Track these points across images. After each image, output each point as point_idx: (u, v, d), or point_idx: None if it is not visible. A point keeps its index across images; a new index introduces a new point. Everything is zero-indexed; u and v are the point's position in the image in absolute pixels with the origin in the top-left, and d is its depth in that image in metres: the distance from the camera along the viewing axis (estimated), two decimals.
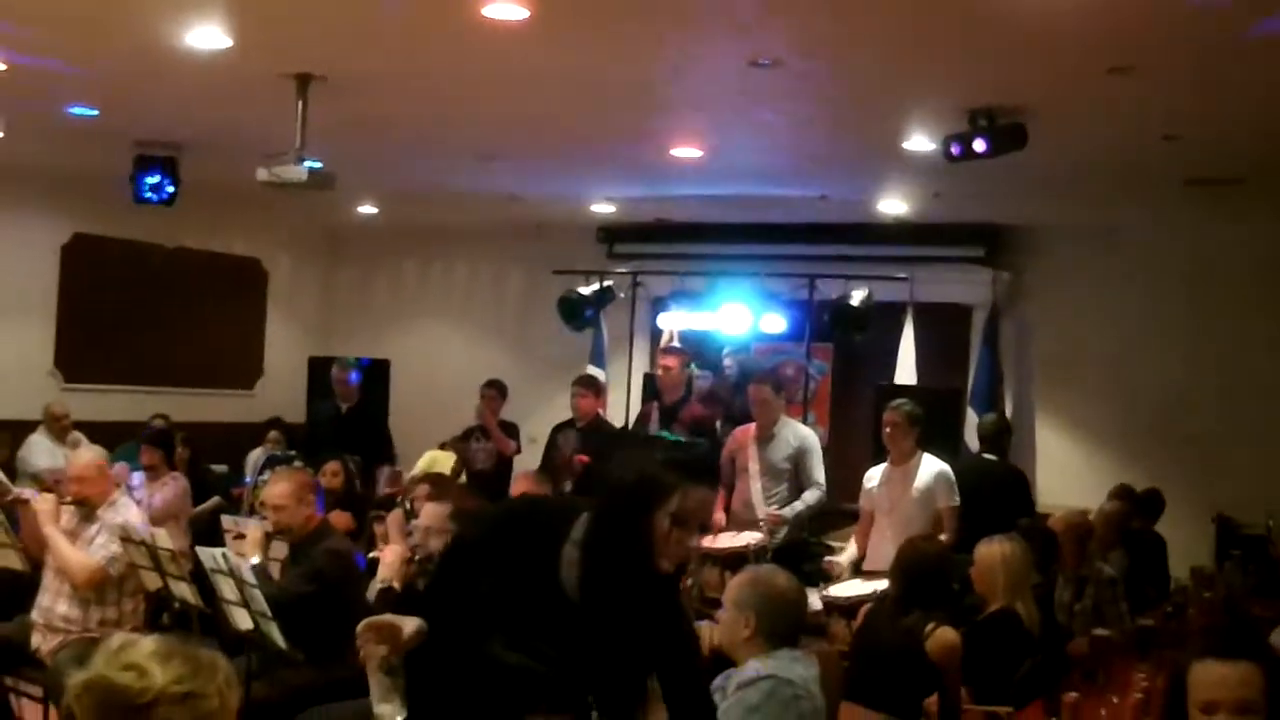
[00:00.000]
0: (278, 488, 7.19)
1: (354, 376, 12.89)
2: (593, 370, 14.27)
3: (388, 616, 3.96)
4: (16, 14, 7.61)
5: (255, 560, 6.97)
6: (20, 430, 12.67)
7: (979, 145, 8.37)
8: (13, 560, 7.42)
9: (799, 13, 6.79)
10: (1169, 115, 8.56)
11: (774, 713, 4.65)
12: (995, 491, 10.03)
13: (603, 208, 14.16)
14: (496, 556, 3.96)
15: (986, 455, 10.72)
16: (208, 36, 7.68)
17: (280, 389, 16.28)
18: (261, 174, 8.89)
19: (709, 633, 5.19)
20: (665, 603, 4.03)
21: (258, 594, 6.22)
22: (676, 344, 13.44)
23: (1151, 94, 7.96)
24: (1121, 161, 10.16)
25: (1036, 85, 7.94)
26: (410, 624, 4.01)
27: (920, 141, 9.47)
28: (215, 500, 11.76)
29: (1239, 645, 3.98)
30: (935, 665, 6.29)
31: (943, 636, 6.30)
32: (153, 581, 7.13)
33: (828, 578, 9.91)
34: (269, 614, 6.20)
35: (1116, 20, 6.57)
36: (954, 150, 8.53)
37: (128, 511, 7.43)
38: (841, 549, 9.84)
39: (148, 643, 2.62)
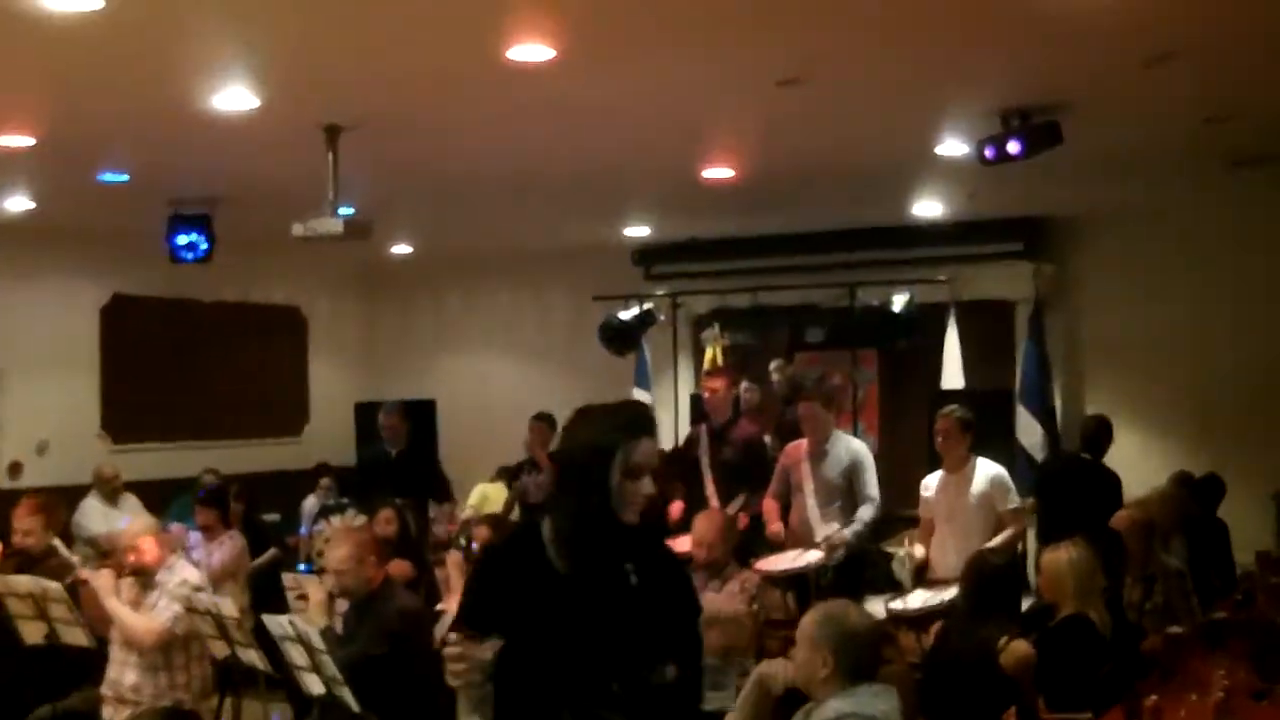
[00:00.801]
0: (338, 553, 7.10)
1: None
2: (638, 393, 14.25)
3: (468, 644, 3.95)
4: (43, 88, 7.63)
5: (323, 623, 6.94)
6: (72, 495, 12.65)
7: (1013, 147, 8.30)
8: (79, 637, 7.42)
9: (823, 29, 6.72)
10: (1211, 99, 8.44)
11: None
12: (1083, 491, 9.98)
13: (637, 230, 14.12)
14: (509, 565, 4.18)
15: (1083, 455, 10.61)
16: (236, 98, 7.70)
17: (327, 433, 16.27)
18: (297, 229, 8.86)
19: (783, 669, 5.12)
20: (652, 553, 4.28)
21: (327, 660, 6.20)
22: (720, 362, 13.44)
23: (1192, 79, 7.84)
24: (1162, 148, 10.04)
25: (1071, 81, 7.84)
26: (489, 648, 4.02)
27: (954, 146, 9.39)
28: (272, 553, 11.74)
29: None
30: (1010, 678, 6.24)
31: (1017, 649, 6.25)
32: (220, 649, 7.12)
33: (894, 584, 9.91)
34: (340, 679, 6.18)
35: (1154, 9, 6.48)
36: (988, 154, 8.46)
37: (185, 571, 7.44)
38: (901, 553, 9.83)
39: None
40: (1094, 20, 6.58)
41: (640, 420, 4.24)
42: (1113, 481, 10.28)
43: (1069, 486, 10.34)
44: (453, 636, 3.97)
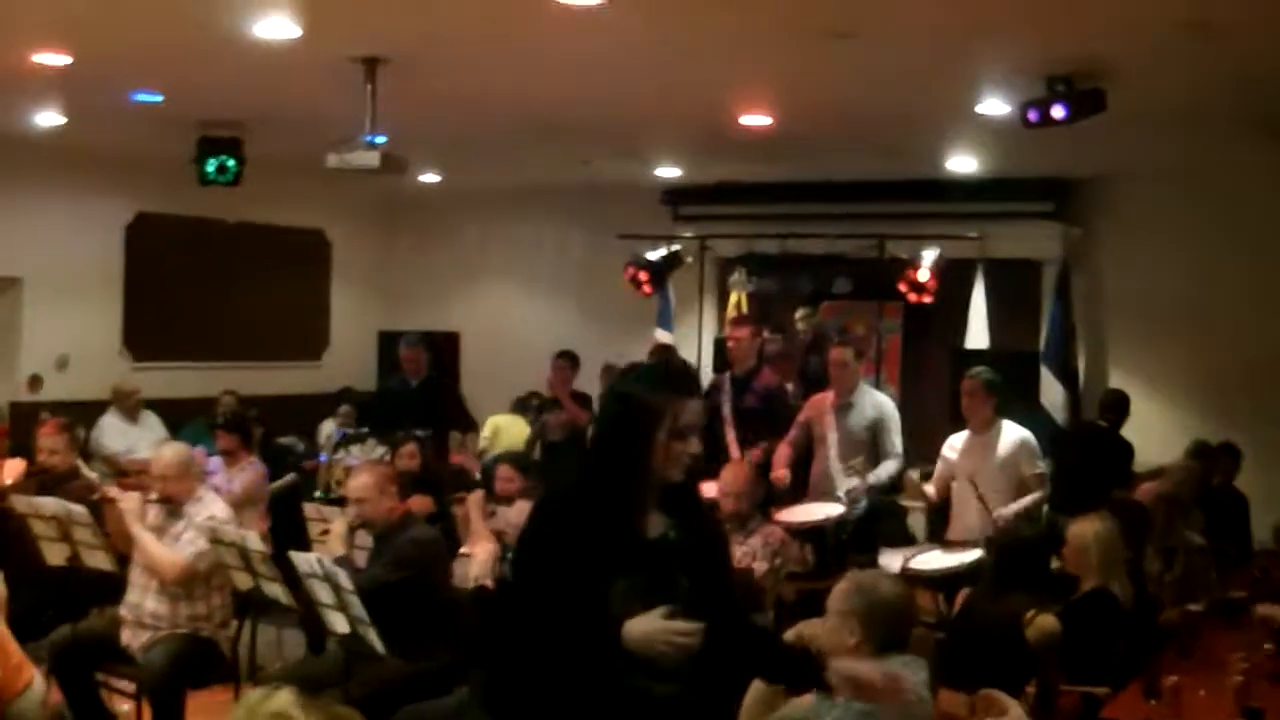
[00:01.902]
0: (359, 480, 7.22)
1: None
2: (660, 334, 14.24)
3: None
4: (81, 8, 7.57)
5: (340, 553, 6.99)
6: (91, 410, 12.68)
7: (1058, 112, 8.26)
8: (102, 561, 7.42)
9: None
10: (1251, 66, 8.35)
11: None
12: (1096, 457, 10.33)
13: (668, 171, 14.05)
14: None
15: (1100, 421, 10.92)
16: (276, 26, 7.64)
17: (347, 359, 16.31)
18: (332, 160, 8.82)
19: (809, 632, 5.11)
20: (692, 511, 4.26)
21: (354, 599, 6.20)
22: (744, 309, 13.41)
23: (1232, 47, 7.74)
24: (1199, 115, 9.96)
25: (1116, 47, 7.78)
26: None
27: (994, 105, 9.34)
28: (291, 477, 11.75)
29: None
30: (1034, 651, 6.23)
31: (1043, 623, 6.26)
32: (244, 581, 7.12)
33: (909, 539, 9.94)
34: (366, 619, 6.18)
35: None
36: (1031, 117, 8.41)
37: (214, 506, 7.42)
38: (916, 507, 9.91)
39: (287, 694, 2.60)
40: None
41: (688, 380, 4.26)
42: (1126, 450, 10.55)
43: (1083, 452, 10.61)
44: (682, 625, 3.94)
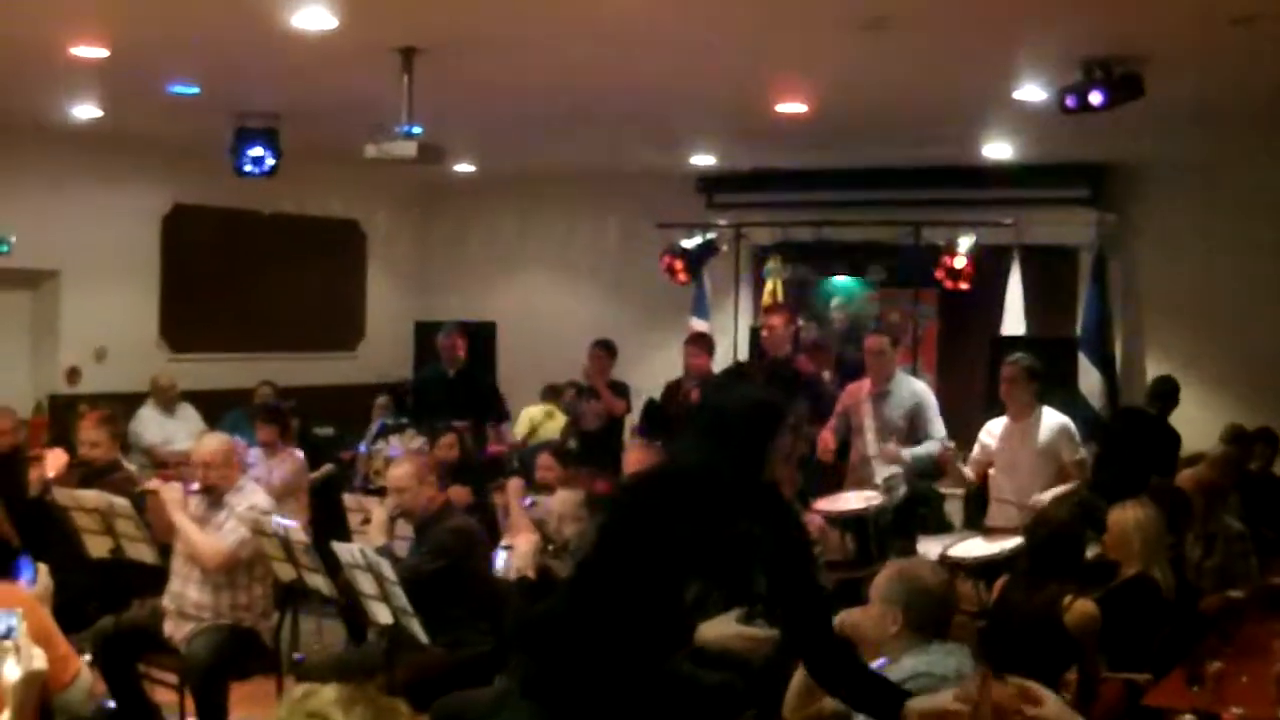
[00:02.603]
0: (399, 470, 7.28)
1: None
2: (696, 322, 14.23)
3: None
4: (120, 1, 7.61)
5: (381, 543, 7.03)
6: (129, 402, 12.73)
7: (1095, 98, 8.23)
8: (144, 553, 7.47)
9: None
10: None
11: None
12: (1143, 443, 10.32)
13: (702, 159, 14.04)
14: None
15: (1148, 409, 10.96)
16: (314, 17, 7.65)
17: (383, 350, 16.33)
18: (370, 151, 8.83)
19: (850, 621, 5.11)
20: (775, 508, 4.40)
21: (398, 590, 6.23)
22: (780, 298, 13.39)
23: (1269, 43, 7.72)
24: (1237, 105, 9.94)
25: (1154, 33, 7.75)
26: None
27: (1032, 91, 9.31)
28: (329, 468, 11.80)
29: None
30: (1074, 637, 6.21)
31: (1082, 609, 6.22)
32: (286, 573, 7.15)
33: (947, 526, 9.91)
34: (409, 610, 6.21)
35: None
36: (1069, 103, 8.39)
37: (255, 495, 7.46)
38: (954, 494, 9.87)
39: (330, 691, 2.61)
40: None
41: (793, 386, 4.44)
42: (1173, 439, 10.52)
43: (1130, 438, 10.59)
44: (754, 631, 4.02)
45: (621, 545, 4.22)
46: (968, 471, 9.43)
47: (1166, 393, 11.00)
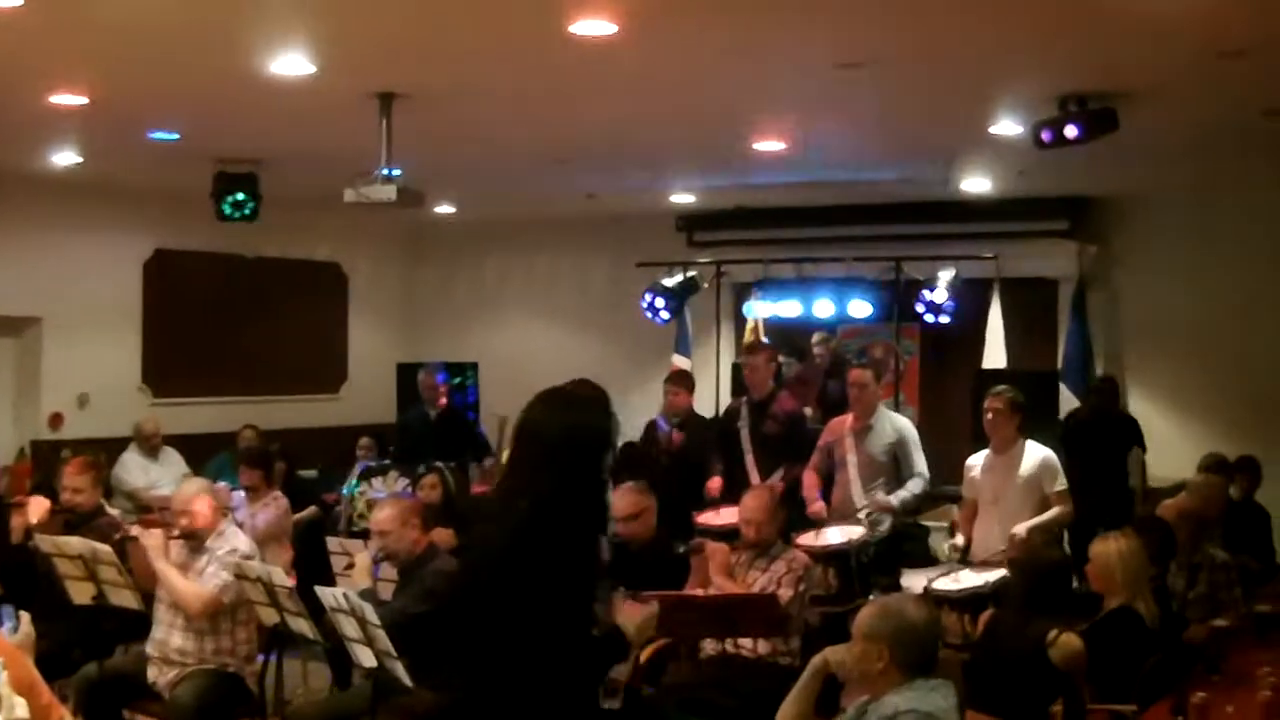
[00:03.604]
0: (382, 514, 7.25)
1: (440, 378, 12.91)
2: (678, 359, 14.27)
3: None
4: (96, 49, 7.63)
5: (365, 585, 7.01)
6: (112, 448, 12.70)
7: (1071, 131, 8.29)
8: (128, 599, 7.42)
9: (887, 13, 6.70)
10: (1273, 94, 8.37)
11: None
12: (1106, 433, 11.46)
13: (682, 198, 14.08)
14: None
15: (1096, 406, 11.88)
16: (292, 64, 7.69)
17: (366, 392, 16.33)
18: (349, 195, 8.86)
19: (835, 658, 5.10)
20: None
21: (380, 633, 6.21)
22: (762, 335, 13.40)
23: (1255, 75, 7.78)
24: (1216, 139, 9.99)
25: (1132, 70, 7.82)
26: None
27: (1008, 126, 9.36)
28: (312, 510, 11.74)
29: None
30: (1060, 671, 6.22)
31: (1068, 643, 6.23)
32: (269, 616, 7.13)
33: (931, 560, 9.90)
34: (393, 652, 6.19)
35: (1220, 5, 6.42)
36: (1045, 137, 8.44)
37: (236, 539, 7.43)
38: (946, 547, 9.80)
39: None
40: (1158, 11, 6.53)
41: (606, 406, 4.55)
42: (1131, 421, 11.81)
43: (1093, 432, 11.49)
44: None
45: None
46: (960, 541, 9.33)
47: (1105, 389, 12.02)
